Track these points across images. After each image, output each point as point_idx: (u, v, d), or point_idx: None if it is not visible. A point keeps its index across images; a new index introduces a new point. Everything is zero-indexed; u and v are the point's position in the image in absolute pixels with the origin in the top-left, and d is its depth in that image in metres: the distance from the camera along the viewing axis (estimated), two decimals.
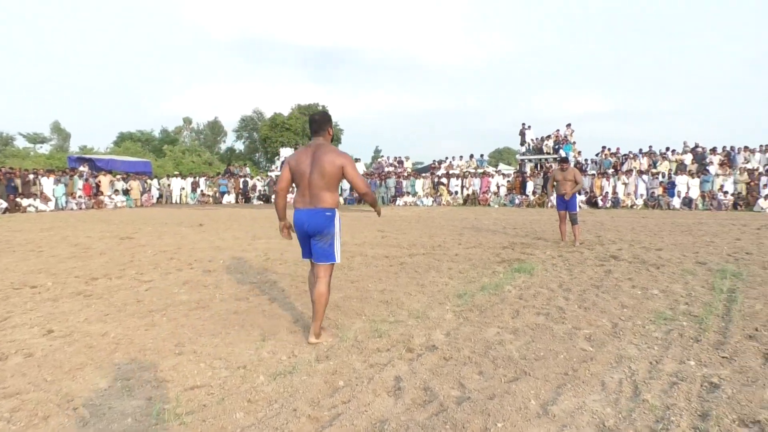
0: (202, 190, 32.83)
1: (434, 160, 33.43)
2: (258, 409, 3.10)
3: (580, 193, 25.60)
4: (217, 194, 32.66)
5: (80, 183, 27.14)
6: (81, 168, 29.59)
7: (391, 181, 30.17)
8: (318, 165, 4.29)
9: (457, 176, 29.80)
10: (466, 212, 22.24)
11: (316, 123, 4.49)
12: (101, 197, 27.52)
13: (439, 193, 28.91)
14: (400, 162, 33.71)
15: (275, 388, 3.41)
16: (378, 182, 30.37)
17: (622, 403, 3.13)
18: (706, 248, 9.80)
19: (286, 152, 37.79)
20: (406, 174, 31.56)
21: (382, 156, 37.50)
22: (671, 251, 9.41)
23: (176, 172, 36.57)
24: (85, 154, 38.33)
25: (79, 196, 26.42)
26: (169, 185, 33.09)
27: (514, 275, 7.18)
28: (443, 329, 4.69)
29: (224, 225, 15.69)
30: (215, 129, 73.07)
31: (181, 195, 32.80)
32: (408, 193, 29.41)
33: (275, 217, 19.44)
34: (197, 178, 34.14)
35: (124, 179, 30.18)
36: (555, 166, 23.37)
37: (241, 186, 33.22)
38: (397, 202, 29.09)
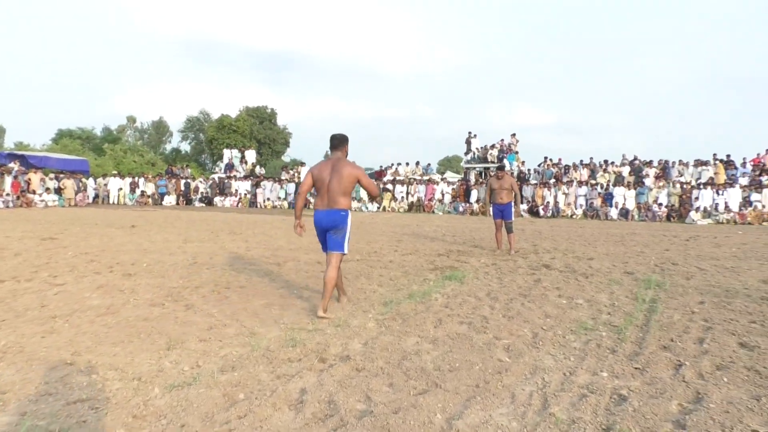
0: (142, 191, 31.81)
1: (381, 166, 33.40)
2: (143, 426, 2.87)
3: (522, 202, 26.06)
4: (156, 195, 31.70)
5: (9, 180, 25.87)
6: (11, 165, 28.21)
7: None
8: (337, 174, 5.32)
9: (403, 183, 29.85)
10: (409, 219, 22.24)
11: (337, 140, 5.53)
12: (30, 196, 26.28)
13: (382, 199, 28.88)
14: None
15: (168, 401, 3.18)
16: None
17: (529, 417, 3.04)
18: (636, 258, 10.00)
19: (229, 153, 37.04)
20: None
21: None
22: (602, 261, 9.55)
23: (114, 172, 35.34)
24: (19, 151, 36.60)
25: (7, 194, 25.15)
26: (105, 185, 31.91)
27: (445, 283, 7.11)
28: (362, 338, 4.54)
29: (158, 227, 15.16)
30: (160, 129, 71.27)
31: (119, 195, 31.68)
32: (353, 199, 29.17)
33: (213, 219, 18.97)
34: (136, 178, 33.05)
35: (57, 177, 28.93)
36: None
37: (183, 187, 32.35)
38: None
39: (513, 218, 10.73)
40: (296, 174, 33.61)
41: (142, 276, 7.27)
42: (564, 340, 4.58)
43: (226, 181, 32.80)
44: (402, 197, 29.10)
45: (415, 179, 30.31)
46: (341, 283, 5.84)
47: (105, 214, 20.90)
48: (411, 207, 28.43)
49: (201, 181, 33.52)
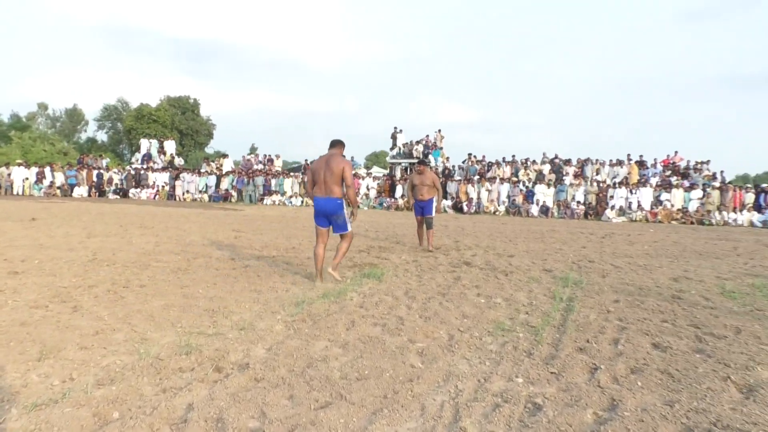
0: (52, 181, 29.86)
1: (306, 160, 32.85)
2: None
3: (446, 198, 26.21)
4: (66, 186, 29.83)
5: None
6: None
7: (260, 180, 29.18)
8: (329, 168, 6.49)
9: None
10: None
11: (336, 141, 6.76)
12: None
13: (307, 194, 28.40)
14: (270, 160, 32.75)
15: (24, 424, 2.72)
16: (245, 180, 29.26)
17: None
18: (555, 255, 10.07)
19: (147, 144, 35.38)
20: (275, 172, 30.69)
21: (252, 154, 36.27)
22: (522, 258, 9.56)
23: (19, 161, 33.00)
24: None
25: None
26: (9, 175, 29.73)
27: (362, 281, 6.82)
28: (267, 343, 4.18)
29: (62, 220, 14.12)
30: (74, 117, 67.69)
31: (24, 186, 29.60)
32: (276, 192, 28.60)
33: (125, 212, 17.99)
34: (43, 168, 30.98)
35: None
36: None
37: (95, 178, 30.60)
38: (264, 201, 28.19)
39: (433, 214, 10.53)
40: (219, 166, 32.56)
41: (31, 274, 6.59)
42: (480, 342, 4.39)
43: (142, 172, 31.30)
44: None
45: None
46: (342, 254, 6.86)
47: (4, 206, 19.36)
48: None
49: (116, 172, 31.82)
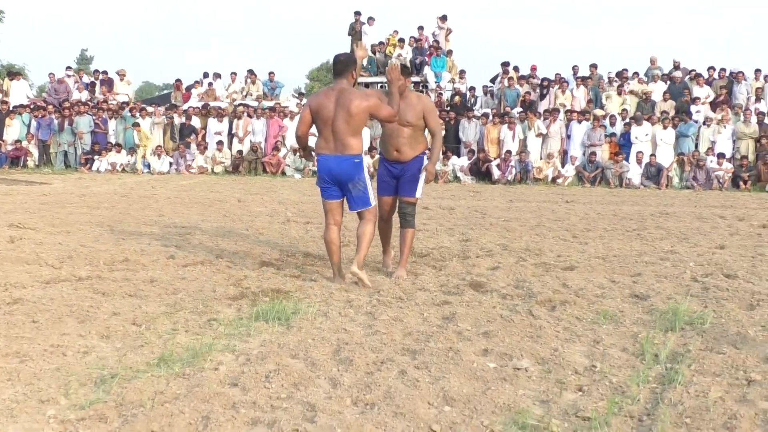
0: None
1: (177, 81, 32.62)
2: None
3: (456, 153, 26.01)
4: None
5: None
6: None
7: (84, 122, 29.08)
8: (343, 110, 8.01)
9: (222, 115, 29.31)
10: (227, 187, 21.87)
11: (341, 63, 8.37)
12: None
13: (190, 151, 28.24)
14: (107, 82, 32.51)
15: None
16: (56, 123, 28.99)
17: None
18: (659, 265, 10.08)
19: None
20: (115, 107, 30.43)
21: (71, 70, 35.89)
22: (591, 272, 9.56)
23: None
24: None
25: None
26: None
27: (251, 327, 6.68)
28: None
29: None
30: None
31: None
32: (118, 147, 28.39)
33: None
34: None
35: None
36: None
37: None
38: (94, 166, 28.22)
39: (418, 194, 9.63)
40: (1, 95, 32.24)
41: None
42: None
43: None
44: (220, 143, 28.52)
45: (247, 107, 29.94)
46: (368, 243, 8.73)
47: None
48: (237, 164, 27.99)
49: None
